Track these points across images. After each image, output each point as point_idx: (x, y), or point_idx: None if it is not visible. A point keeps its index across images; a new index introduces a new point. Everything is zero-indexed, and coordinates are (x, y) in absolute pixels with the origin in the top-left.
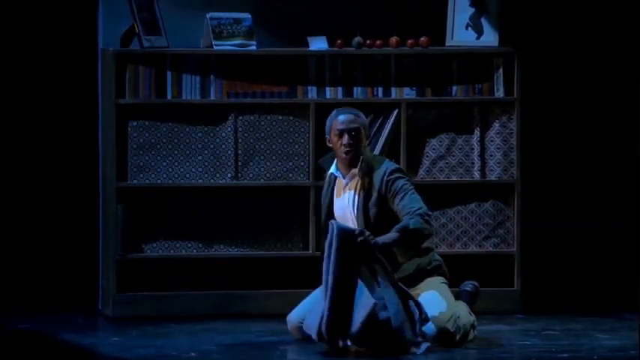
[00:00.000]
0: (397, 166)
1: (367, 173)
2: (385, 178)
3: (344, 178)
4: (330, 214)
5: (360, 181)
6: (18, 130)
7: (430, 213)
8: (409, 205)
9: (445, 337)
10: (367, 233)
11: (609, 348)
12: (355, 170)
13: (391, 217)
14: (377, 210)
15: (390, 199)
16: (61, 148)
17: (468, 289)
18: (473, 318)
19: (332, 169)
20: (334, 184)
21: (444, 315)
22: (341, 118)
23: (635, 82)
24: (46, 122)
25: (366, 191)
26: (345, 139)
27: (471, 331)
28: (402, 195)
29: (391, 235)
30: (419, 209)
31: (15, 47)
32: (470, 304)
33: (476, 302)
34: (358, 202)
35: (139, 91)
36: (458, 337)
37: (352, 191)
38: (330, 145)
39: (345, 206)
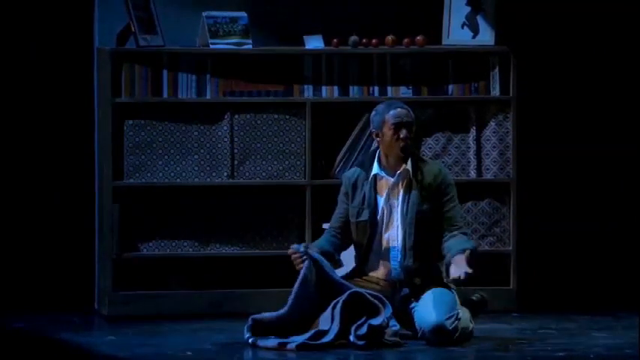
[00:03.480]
0: (445, 168)
1: (421, 170)
2: (442, 177)
3: (392, 176)
4: (374, 213)
5: (412, 180)
6: (13, 129)
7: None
8: (456, 218)
9: (441, 334)
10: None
11: (605, 347)
12: (405, 168)
13: (437, 214)
14: (429, 207)
15: (442, 198)
16: (57, 147)
17: (474, 298)
18: (472, 326)
19: (375, 169)
20: (376, 184)
21: (444, 313)
22: (395, 112)
23: (633, 80)
24: (41, 121)
25: (419, 187)
26: (404, 133)
27: (468, 334)
28: (454, 202)
29: (468, 252)
30: (463, 226)
31: (11, 46)
32: (473, 312)
33: (479, 312)
34: (413, 200)
35: (135, 89)
36: (456, 336)
37: (403, 191)
38: (377, 140)
39: (394, 204)
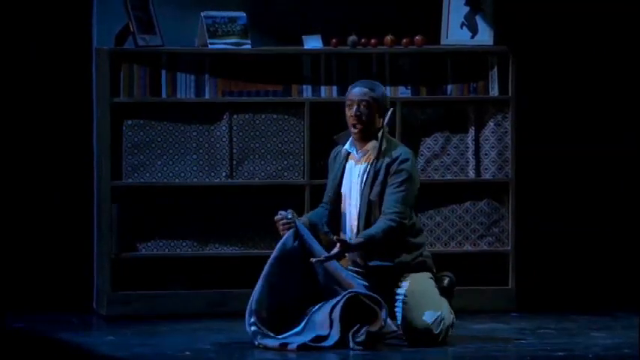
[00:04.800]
0: (409, 156)
1: (383, 153)
2: (395, 165)
3: (357, 153)
4: (337, 189)
5: (372, 158)
6: (12, 129)
7: (405, 217)
8: (391, 204)
9: (427, 338)
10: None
11: (604, 346)
12: (369, 146)
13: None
14: (380, 189)
15: (389, 182)
16: (55, 147)
17: (445, 284)
18: (452, 317)
19: (346, 145)
20: (346, 161)
21: (431, 316)
22: (355, 90)
23: (632, 80)
24: (40, 121)
25: (375, 168)
26: (353, 110)
27: (449, 329)
28: (394, 188)
29: (358, 241)
30: (394, 213)
31: (10, 46)
32: (448, 298)
33: (454, 295)
34: (367, 177)
35: (133, 89)
36: (440, 338)
37: (365, 164)
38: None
39: (355, 180)
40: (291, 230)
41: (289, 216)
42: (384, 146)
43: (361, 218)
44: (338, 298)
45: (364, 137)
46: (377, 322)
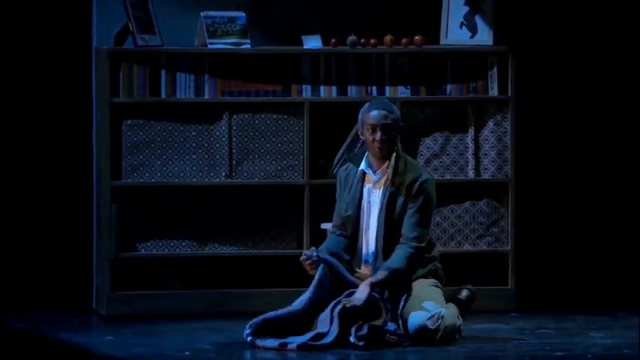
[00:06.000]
0: (429, 177)
1: (400, 173)
2: (416, 185)
3: (374, 173)
4: (357, 212)
5: (390, 179)
6: (12, 128)
7: (423, 240)
8: (411, 228)
9: (423, 334)
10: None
11: (603, 346)
12: (387, 165)
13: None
14: (401, 210)
15: (411, 199)
16: (55, 146)
17: (462, 297)
18: (459, 322)
19: (362, 165)
20: (362, 182)
21: (427, 313)
22: (373, 113)
23: (632, 80)
24: (40, 121)
25: (395, 189)
26: (378, 135)
27: (456, 334)
28: (414, 211)
29: (383, 276)
30: (413, 238)
31: (9, 46)
32: (462, 309)
33: (470, 308)
34: (388, 198)
35: (133, 89)
36: (438, 335)
37: (384, 186)
38: (363, 138)
39: (375, 201)
40: (322, 267)
41: (314, 254)
42: (401, 166)
43: (380, 239)
44: (340, 298)
45: (386, 158)
46: (379, 318)
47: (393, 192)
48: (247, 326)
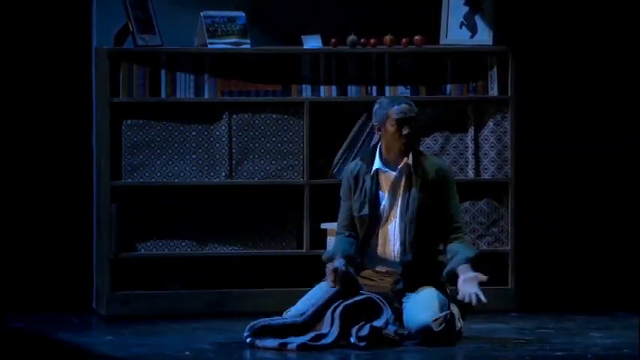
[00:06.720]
0: (447, 163)
1: (423, 166)
2: (443, 172)
3: (393, 171)
4: (375, 207)
5: (414, 175)
6: (12, 128)
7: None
8: (456, 217)
9: (427, 335)
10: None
11: (603, 346)
12: (406, 162)
13: (437, 210)
14: (430, 202)
15: (443, 193)
16: (55, 146)
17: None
18: (460, 325)
19: (377, 164)
20: (377, 180)
21: (432, 314)
22: (399, 107)
23: (632, 80)
24: (40, 121)
25: (420, 183)
26: (407, 130)
27: (457, 336)
28: (455, 200)
29: (468, 267)
30: (462, 225)
31: (9, 46)
32: (463, 311)
33: (471, 310)
34: (414, 195)
35: (133, 89)
36: (443, 337)
37: (405, 183)
38: (379, 134)
39: (395, 199)
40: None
41: (344, 269)
42: (422, 159)
43: (410, 234)
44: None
45: (408, 152)
46: (381, 318)
47: (418, 186)
48: (247, 328)
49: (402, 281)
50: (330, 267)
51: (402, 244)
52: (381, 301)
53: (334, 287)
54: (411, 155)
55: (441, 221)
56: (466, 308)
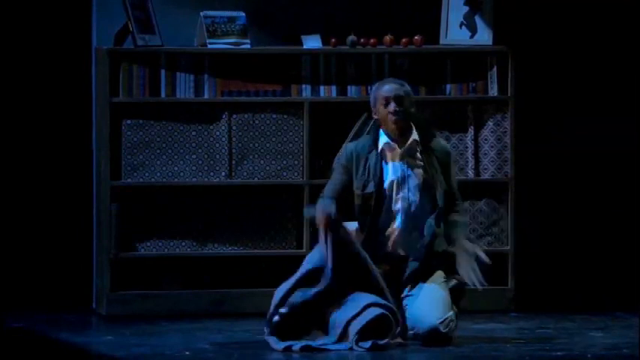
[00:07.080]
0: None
1: (428, 141)
2: (447, 150)
3: (398, 146)
4: (380, 185)
5: (418, 151)
6: (12, 128)
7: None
8: (455, 189)
9: (435, 338)
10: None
11: (603, 346)
12: (413, 139)
13: (442, 184)
14: (437, 177)
15: (446, 169)
16: (55, 146)
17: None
18: (455, 320)
19: (384, 140)
20: (381, 159)
21: (439, 316)
22: (386, 87)
23: (632, 80)
24: (39, 121)
25: (427, 160)
26: (392, 105)
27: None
28: (453, 172)
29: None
30: (459, 198)
31: (9, 46)
32: (455, 300)
33: (462, 299)
34: (421, 171)
35: (132, 89)
36: (449, 338)
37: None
38: (376, 117)
39: (404, 177)
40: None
41: (335, 215)
42: (426, 135)
43: (417, 209)
44: (358, 310)
45: (403, 132)
46: (387, 335)
47: (426, 161)
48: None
49: (411, 260)
50: (320, 209)
51: (407, 220)
52: (393, 310)
53: (323, 231)
54: (415, 132)
55: (443, 196)
56: (458, 296)
